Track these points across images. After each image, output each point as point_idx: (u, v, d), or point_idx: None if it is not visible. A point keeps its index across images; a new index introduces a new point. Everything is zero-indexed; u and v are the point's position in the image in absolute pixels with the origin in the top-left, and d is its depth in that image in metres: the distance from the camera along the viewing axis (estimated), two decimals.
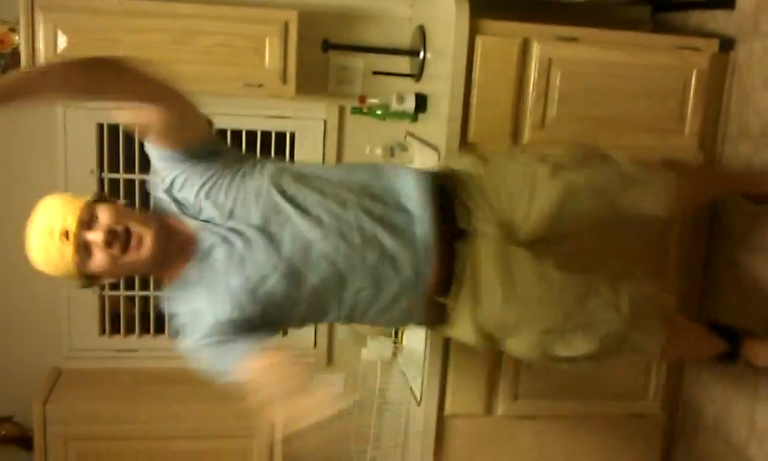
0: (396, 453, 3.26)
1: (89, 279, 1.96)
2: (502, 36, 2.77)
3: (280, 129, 3.41)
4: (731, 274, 2.95)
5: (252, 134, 3.41)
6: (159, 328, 3.52)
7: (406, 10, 3.33)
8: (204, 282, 2.00)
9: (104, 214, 1.87)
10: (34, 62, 2.89)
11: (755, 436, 2.81)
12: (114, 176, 3.35)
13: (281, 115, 3.38)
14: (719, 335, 2.54)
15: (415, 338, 3.00)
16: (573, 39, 2.82)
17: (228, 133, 3.38)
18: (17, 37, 2.99)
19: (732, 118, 2.95)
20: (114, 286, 3.44)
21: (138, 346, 3.52)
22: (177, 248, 1.99)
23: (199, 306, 2.01)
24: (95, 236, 1.85)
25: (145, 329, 3.54)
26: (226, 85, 3.03)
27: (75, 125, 3.27)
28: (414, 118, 3.10)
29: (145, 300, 3.54)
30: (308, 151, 3.41)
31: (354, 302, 2.08)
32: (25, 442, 3.34)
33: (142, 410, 3.23)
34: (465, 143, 2.79)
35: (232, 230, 1.98)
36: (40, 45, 2.89)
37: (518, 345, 2.20)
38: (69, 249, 1.84)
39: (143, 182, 3.36)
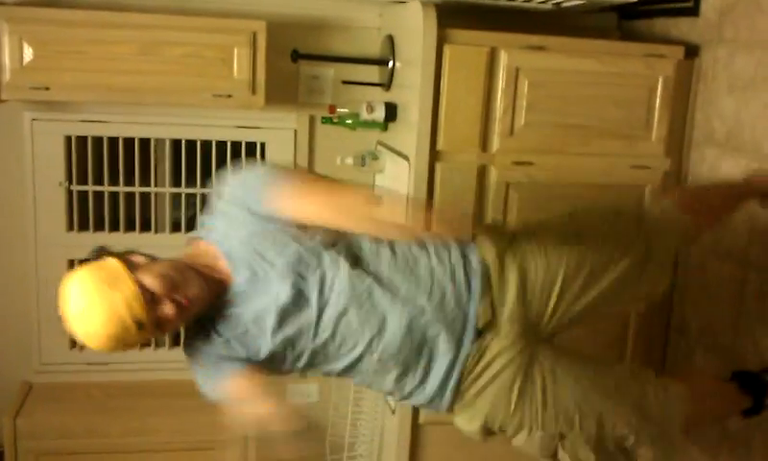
0: None
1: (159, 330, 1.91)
2: (470, 44, 2.78)
3: (250, 139, 3.40)
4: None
5: (222, 145, 3.39)
6: None
7: (375, 19, 3.33)
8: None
9: (157, 287, 1.82)
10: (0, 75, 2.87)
11: (726, 442, 2.84)
12: (83, 188, 3.32)
13: (251, 125, 3.37)
14: (739, 388, 2.42)
15: None
16: (541, 48, 2.84)
17: (198, 144, 3.36)
18: None
19: (697, 124, 2.99)
20: None
21: (109, 359, 3.48)
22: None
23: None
24: (167, 311, 1.82)
25: None
26: (194, 96, 3.01)
27: (42, 137, 3.24)
28: (384, 127, 3.11)
29: None
30: (279, 161, 3.40)
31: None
32: None
33: (115, 424, 3.20)
34: (434, 151, 2.80)
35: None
36: (6, 57, 2.86)
37: (522, 442, 2.14)
38: (146, 333, 1.83)
39: (112, 194, 3.35)
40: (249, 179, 1.98)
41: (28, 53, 2.87)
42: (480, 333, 2.03)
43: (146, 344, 3.48)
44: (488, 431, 2.14)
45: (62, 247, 3.32)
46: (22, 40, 2.86)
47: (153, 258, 1.93)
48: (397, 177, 2.95)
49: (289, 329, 1.92)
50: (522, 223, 2.62)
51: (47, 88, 2.91)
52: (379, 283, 1.95)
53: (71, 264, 3.34)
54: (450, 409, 2.11)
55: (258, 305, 1.92)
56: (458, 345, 2.01)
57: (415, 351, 1.99)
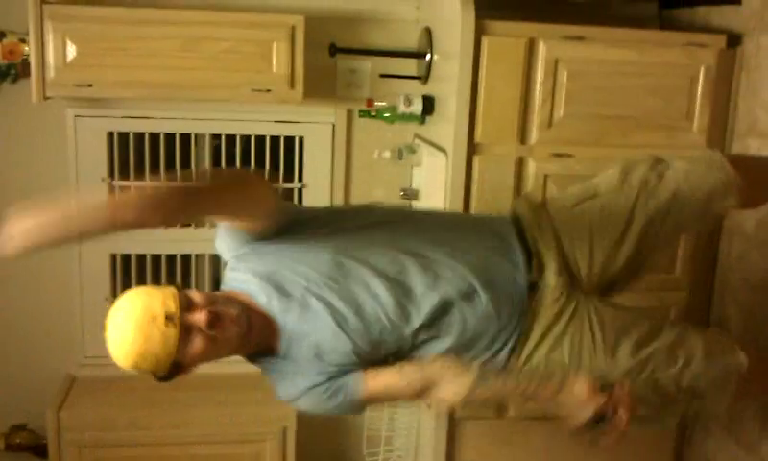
0: (407, 456, 3.26)
1: (176, 370, 1.87)
2: (508, 36, 2.77)
3: (289, 133, 3.42)
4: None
5: (261, 139, 3.42)
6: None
7: (412, 12, 3.34)
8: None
9: (197, 297, 1.83)
10: (43, 72, 2.91)
11: (766, 435, 2.79)
12: (125, 183, 3.36)
13: (290, 120, 3.39)
14: None
15: None
16: (579, 38, 2.81)
17: (238, 138, 3.39)
18: (27, 48, 3.01)
19: (740, 114, 2.94)
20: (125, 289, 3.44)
21: None
22: (260, 325, 1.93)
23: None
24: (199, 317, 1.80)
25: None
26: (234, 91, 3.04)
27: (85, 133, 3.29)
28: (421, 120, 3.11)
29: None
30: (317, 155, 3.42)
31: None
32: (39, 449, 3.35)
33: (156, 416, 3.24)
34: (472, 144, 2.79)
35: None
36: (50, 55, 2.91)
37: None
38: (174, 332, 1.76)
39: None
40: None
41: (71, 50, 2.92)
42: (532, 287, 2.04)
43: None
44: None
45: (105, 242, 3.37)
46: (66, 38, 2.91)
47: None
48: (435, 170, 2.94)
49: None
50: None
51: (90, 85, 2.96)
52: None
53: (113, 258, 3.40)
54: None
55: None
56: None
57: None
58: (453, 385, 1.91)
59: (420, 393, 1.95)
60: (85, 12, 2.95)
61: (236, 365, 3.46)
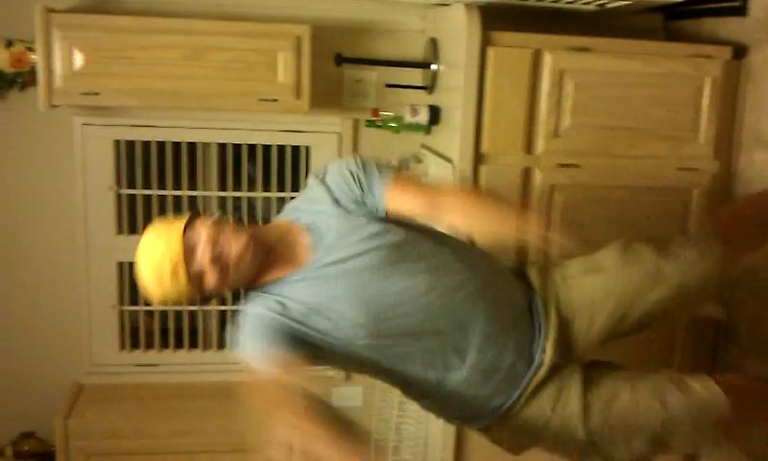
0: None
1: (209, 296, 2.01)
2: (514, 47, 2.78)
3: (295, 143, 3.43)
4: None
5: (267, 149, 3.43)
6: (179, 343, 3.55)
7: (418, 22, 3.34)
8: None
9: (204, 234, 1.93)
10: (50, 80, 2.93)
11: None
12: (131, 191, 3.38)
13: (296, 129, 3.40)
14: None
15: None
16: (585, 49, 2.82)
17: (244, 147, 3.40)
18: (34, 56, 3.03)
19: (746, 125, 2.94)
20: (133, 301, 3.46)
21: (158, 360, 3.54)
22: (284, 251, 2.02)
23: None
24: (201, 265, 1.91)
25: (164, 344, 3.56)
26: (240, 101, 3.05)
27: (92, 141, 3.30)
28: (427, 130, 3.11)
29: (164, 314, 3.56)
30: (323, 164, 3.41)
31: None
32: (47, 457, 3.36)
33: (163, 425, 3.25)
34: (478, 154, 2.79)
35: None
36: (57, 64, 2.93)
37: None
38: (183, 278, 1.90)
39: (160, 198, 3.39)
40: (351, 169, 2.06)
41: (78, 59, 2.93)
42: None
43: (194, 345, 3.53)
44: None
45: (112, 250, 3.38)
46: (73, 47, 2.93)
47: (224, 218, 2.01)
48: (441, 180, 2.94)
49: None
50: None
51: (97, 94, 2.97)
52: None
53: (120, 266, 3.41)
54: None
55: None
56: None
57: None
58: None
59: None
60: (93, 20, 2.96)
61: (243, 374, 3.50)
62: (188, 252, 1.91)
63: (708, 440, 2.21)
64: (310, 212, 2.05)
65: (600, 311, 2.13)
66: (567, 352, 2.11)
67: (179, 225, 1.95)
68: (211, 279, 1.92)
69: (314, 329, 1.92)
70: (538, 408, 2.07)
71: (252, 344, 1.91)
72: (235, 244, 1.92)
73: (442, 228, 2.14)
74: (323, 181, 2.08)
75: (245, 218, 3.36)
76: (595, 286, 2.14)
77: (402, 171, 2.08)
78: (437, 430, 2.99)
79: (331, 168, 2.10)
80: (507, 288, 2.10)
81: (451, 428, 2.94)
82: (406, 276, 1.94)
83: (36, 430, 3.43)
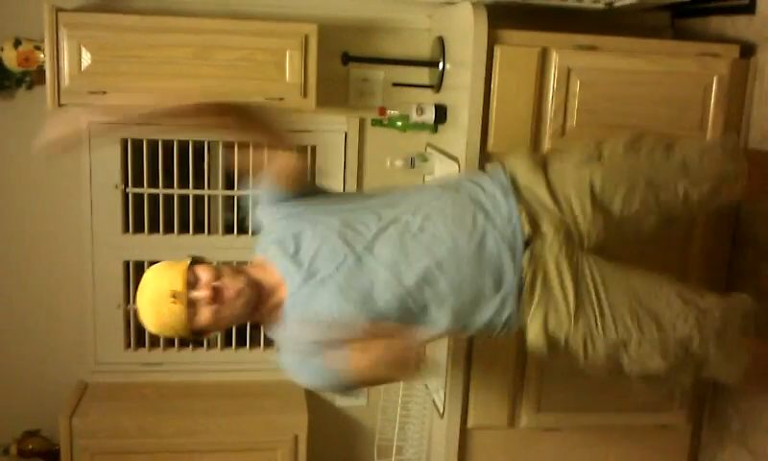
0: None
1: (198, 334, 2.14)
2: (521, 45, 2.77)
3: (302, 142, 3.41)
4: (754, 282, 2.91)
5: None
6: (183, 342, 3.55)
7: (425, 21, 3.34)
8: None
9: (204, 274, 2.07)
10: (58, 79, 2.94)
11: None
12: (138, 190, 3.38)
13: (303, 129, 3.40)
14: None
15: (436, 351, 2.99)
16: (592, 48, 2.81)
17: (251, 146, 3.39)
18: (42, 55, 3.04)
19: (753, 124, 2.93)
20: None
21: (163, 359, 3.54)
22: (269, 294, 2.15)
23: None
24: (200, 294, 2.04)
25: (169, 343, 3.55)
26: (247, 99, 3.04)
27: (99, 140, 3.30)
28: (434, 129, 3.11)
29: None
30: (330, 163, 3.42)
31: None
32: (52, 456, 3.37)
33: (168, 424, 3.24)
34: (484, 153, 2.79)
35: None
36: (65, 63, 2.93)
37: (587, 354, 2.18)
38: (180, 308, 2.01)
39: (167, 197, 3.40)
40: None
41: (86, 58, 2.94)
42: (528, 244, 2.15)
43: (199, 343, 3.53)
44: (554, 345, 2.17)
45: (118, 248, 3.39)
46: (80, 45, 2.94)
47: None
48: None
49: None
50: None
51: (104, 92, 2.97)
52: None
53: (126, 265, 3.41)
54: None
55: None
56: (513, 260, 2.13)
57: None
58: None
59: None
60: (100, 19, 2.97)
61: (247, 373, 3.52)
62: (189, 283, 2.04)
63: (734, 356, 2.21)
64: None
65: (600, 197, 2.20)
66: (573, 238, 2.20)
67: (183, 264, 2.09)
68: (206, 314, 2.05)
69: None
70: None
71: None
72: (233, 286, 2.06)
73: None
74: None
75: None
76: (594, 175, 2.21)
77: None
78: (441, 430, 2.99)
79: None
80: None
81: (455, 427, 2.93)
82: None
83: (40, 428, 3.43)
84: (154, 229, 3.43)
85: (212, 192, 3.47)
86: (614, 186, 2.20)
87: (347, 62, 3.13)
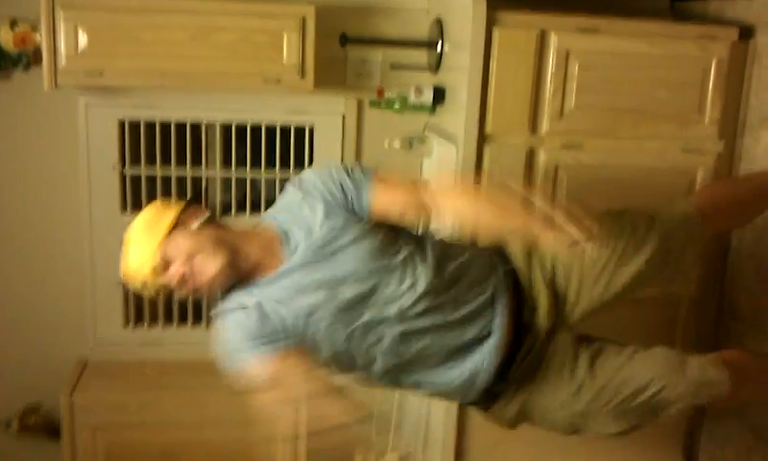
0: (417, 444, 3.27)
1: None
2: (520, 27, 2.77)
3: (299, 123, 3.42)
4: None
5: (271, 129, 3.42)
6: (183, 319, 3.57)
7: (423, 2, 3.32)
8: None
9: (183, 246, 2.00)
10: (55, 60, 2.92)
11: None
12: (136, 171, 3.38)
13: (300, 110, 3.39)
14: None
15: None
16: (591, 30, 2.81)
17: (248, 128, 3.40)
18: (39, 36, 3.02)
19: (752, 107, 2.93)
20: None
21: (162, 336, 3.55)
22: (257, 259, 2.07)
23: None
24: (170, 277, 2.01)
25: (168, 320, 3.57)
26: (245, 81, 3.05)
27: (97, 121, 3.30)
28: (432, 111, 3.11)
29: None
30: (327, 144, 3.42)
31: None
32: (53, 431, 3.41)
33: (168, 399, 3.26)
34: (483, 134, 2.79)
35: None
36: (61, 44, 2.91)
37: (550, 424, 2.28)
38: (152, 285, 2.03)
39: (164, 178, 3.40)
40: (333, 175, 2.08)
41: (83, 39, 2.92)
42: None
43: (199, 320, 3.55)
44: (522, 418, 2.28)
45: (116, 228, 3.37)
46: (77, 26, 2.91)
47: (211, 223, 2.07)
48: (445, 160, 2.95)
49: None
50: None
51: (101, 74, 2.96)
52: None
53: None
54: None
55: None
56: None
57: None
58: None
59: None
60: (97, 0, 2.95)
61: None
62: (162, 265, 1.99)
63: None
64: (286, 219, 2.09)
65: (587, 277, 2.18)
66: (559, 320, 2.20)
67: (166, 219, 2.02)
68: (179, 291, 2.03)
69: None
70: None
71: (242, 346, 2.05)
72: (210, 267, 1.99)
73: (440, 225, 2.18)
74: (299, 187, 2.11)
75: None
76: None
77: (385, 171, 2.08)
78: (439, 411, 3.01)
79: (310, 175, 2.13)
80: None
81: (453, 420, 2.96)
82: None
83: (41, 404, 3.47)
84: None
85: (210, 173, 3.46)
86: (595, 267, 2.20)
87: (345, 44, 3.12)
